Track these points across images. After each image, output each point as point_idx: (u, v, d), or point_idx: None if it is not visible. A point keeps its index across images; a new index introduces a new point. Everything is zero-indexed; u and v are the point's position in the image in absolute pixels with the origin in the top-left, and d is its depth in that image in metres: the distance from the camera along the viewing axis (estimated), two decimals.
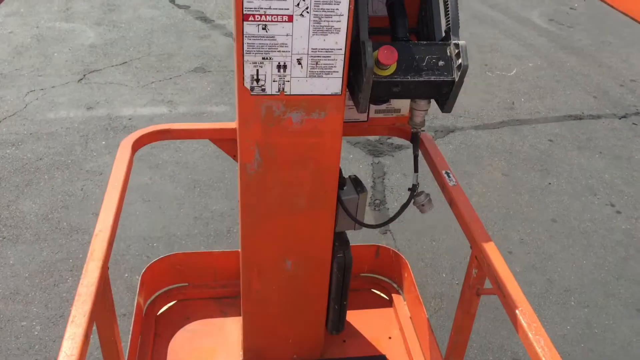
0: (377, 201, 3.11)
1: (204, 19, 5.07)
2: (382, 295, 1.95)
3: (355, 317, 1.81)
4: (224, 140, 1.52)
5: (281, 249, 1.40)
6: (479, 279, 1.27)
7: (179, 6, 5.29)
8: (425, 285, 2.59)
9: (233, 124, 1.48)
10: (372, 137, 3.56)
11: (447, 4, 1.17)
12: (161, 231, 2.77)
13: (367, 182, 3.23)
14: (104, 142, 3.36)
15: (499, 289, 1.15)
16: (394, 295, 1.92)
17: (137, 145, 1.48)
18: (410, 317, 1.84)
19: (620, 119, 4.03)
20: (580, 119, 4.01)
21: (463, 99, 4.17)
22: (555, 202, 3.17)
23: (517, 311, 1.09)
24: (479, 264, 1.24)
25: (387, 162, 3.38)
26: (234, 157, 1.50)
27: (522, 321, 1.08)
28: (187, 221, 2.85)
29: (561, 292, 2.61)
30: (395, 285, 1.95)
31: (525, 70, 4.64)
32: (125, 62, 4.29)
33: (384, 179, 3.27)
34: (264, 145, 1.22)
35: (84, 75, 4.07)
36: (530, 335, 1.04)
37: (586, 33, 5.41)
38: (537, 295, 2.59)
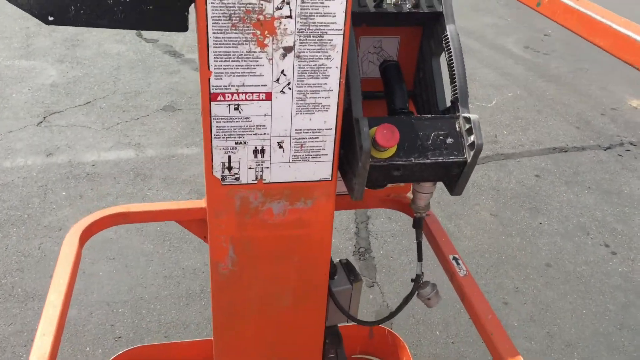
0: (362, 249, 2.91)
1: (173, 53, 4.86)
2: None
3: None
4: (192, 221, 1.30)
5: (262, 355, 1.19)
6: None
7: (146, 40, 5.07)
8: (418, 346, 2.39)
9: (201, 202, 1.26)
10: None
11: (454, 70, 0.99)
12: (127, 294, 2.52)
13: (349, 227, 3.04)
14: (64, 193, 3.10)
15: None
16: None
17: (86, 236, 1.26)
18: None
19: (605, 150, 3.93)
20: (565, 151, 3.89)
21: None
22: (548, 243, 3.02)
23: None
24: None
25: (371, 210, 3.19)
26: (205, 238, 1.29)
27: None
28: (156, 281, 2.61)
29: (563, 347, 2.43)
30: None
31: (505, 101, 4.54)
32: (89, 102, 4.04)
33: (367, 224, 3.08)
34: (239, 241, 1.02)
35: (44, 117, 3.81)
36: None
37: (562, 60, 5.37)
38: (538, 352, 2.41)
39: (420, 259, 1.20)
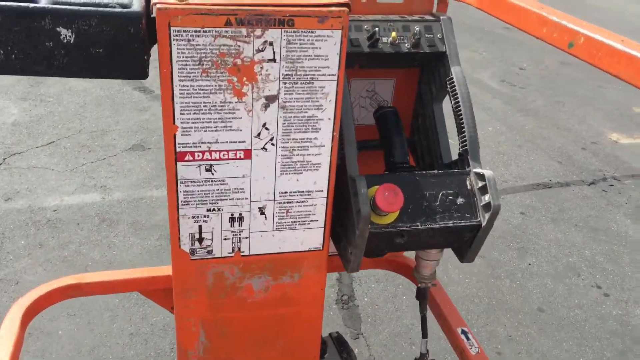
0: (345, 297, 2.74)
1: (143, 90, 4.70)
2: None
3: None
4: (156, 291, 1.12)
5: None
6: None
7: None
8: None
9: (168, 269, 1.09)
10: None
11: (462, 118, 0.85)
12: (89, 355, 2.30)
13: (331, 276, 2.87)
14: (22, 242, 2.87)
15: None
16: None
17: (29, 315, 1.06)
18: None
19: (589, 185, 3.86)
20: (549, 187, 3.81)
21: None
22: (539, 286, 2.89)
23: None
24: None
25: None
26: (172, 309, 1.11)
27: None
28: (121, 339, 2.39)
29: None
30: None
31: (485, 136, 4.48)
32: (53, 142, 3.84)
33: None
34: (212, 324, 0.85)
35: (4, 159, 3.59)
36: None
37: (539, 94, 5.37)
38: None
39: (424, 335, 1.04)
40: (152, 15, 0.64)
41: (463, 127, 0.87)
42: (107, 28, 0.64)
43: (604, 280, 2.98)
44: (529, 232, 3.33)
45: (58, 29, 0.62)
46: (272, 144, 0.73)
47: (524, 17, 0.89)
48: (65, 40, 0.63)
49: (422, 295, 1.06)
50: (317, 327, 0.90)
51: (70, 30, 0.62)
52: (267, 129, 0.72)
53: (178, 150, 0.71)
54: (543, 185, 3.84)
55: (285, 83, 0.69)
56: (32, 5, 0.63)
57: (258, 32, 0.64)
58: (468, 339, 1.06)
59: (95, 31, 0.63)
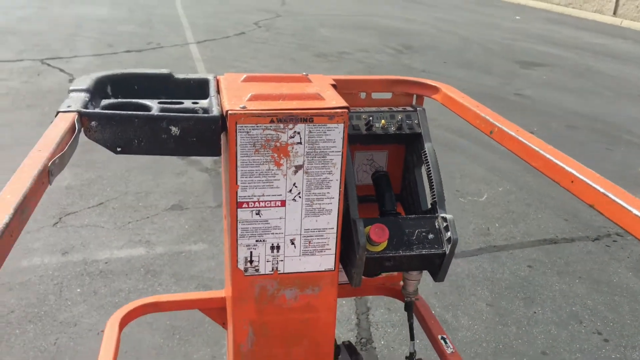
0: (363, 340, 3.03)
1: (180, 157, 5.16)
2: None
3: None
4: (212, 309, 1.49)
5: None
6: None
7: None
8: None
9: (221, 292, 1.45)
10: None
11: (432, 181, 1.23)
12: None
13: (350, 318, 3.17)
14: (78, 290, 3.26)
15: None
16: None
17: (124, 322, 1.44)
18: None
19: (593, 241, 4.12)
20: (555, 242, 4.08)
21: None
22: (543, 332, 3.14)
23: None
24: None
25: (370, 297, 3.33)
26: (224, 324, 1.46)
27: None
28: None
29: None
30: None
31: (495, 195, 4.79)
32: (102, 203, 4.28)
33: (368, 315, 3.21)
34: (257, 324, 1.20)
35: (60, 218, 4.03)
36: None
37: None
38: None
39: (412, 338, 1.37)
40: (225, 117, 1.01)
41: (433, 186, 1.23)
42: (199, 126, 1.02)
43: (605, 327, 3.21)
44: (535, 284, 3.58)
45: (170, 127, 1.01)
46: (299, 197, 1.10)
47: (467, 111, 1.26)
48: (173, 134, 1.01)
49: (409, 307, 1.39)
50: (331, 329, 1.23)
51: (177, 127, 1.01)
52: (296, 187, 1.09)
53: (238, 200, 1.08)
54: (550, 240, 4.11)
55: (308, 157, 1.07)
56: (156, 113, 1.02)
57: (290, 126, 1.02)
58: (446, 343, 1.39)
59: (192, 128, 1.02)
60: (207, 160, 5.09)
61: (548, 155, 1.01)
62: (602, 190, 0.88)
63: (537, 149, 1.05)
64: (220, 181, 4.76)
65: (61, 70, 7.66)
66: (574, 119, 6.97)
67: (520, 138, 1.04)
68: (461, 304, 3.33)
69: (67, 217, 4.05)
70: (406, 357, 1.38)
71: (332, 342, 1.27)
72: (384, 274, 1.50)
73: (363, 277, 1.19)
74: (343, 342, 1.47)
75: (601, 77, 9.35)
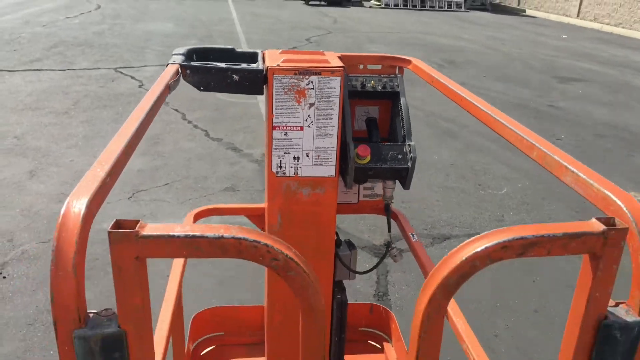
0: (381, 293, 3.59)
1: (234, 149, 5.89)
2: (375, 344, 2.41)
3: None
4: (255, 216, 2.12)
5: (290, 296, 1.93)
6: None
7: (212, 139, 6.17)
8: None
9: (261, 205, 2.09)
10: (377, 242, 4.12)
11: (403, 121, 1.83)
12: None
13: (372, 278, 3.74)
14: None
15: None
16: (384, 344, 2.38)
17: (196, 219, 2.09)
18: (396, 357, 2.31)
19: None
20: None
21: (457, 212, 4.77)
22: (539, 295, 3.62)
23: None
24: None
25: (389, 262, 3.90)
26: (263, 228, 2.09)
27: None
28: None
29: None
30: (385, 336, 2.41)
31: (514, 190, 5.27)
32: (167, 184, 5.02)
33: (387, 276, 3.77)
34: (284, 212, 1.81)
35: (133, 194, 4.79)
36: None
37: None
38: None
39: (389, 230, 1.95)
40: (266, 71, 1.64)
41: (403, 124, 1.82)
42: (250, 75, 1.67)
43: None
44: (540, 260, 4.06)
45: (232, 75, 1.66)
46: (312, 124, 1.71)
47: (432, 79, 1.84)
48: (234, 79, 1.66)
49: (388, 209, 1.97)
50: (333, 221, 1.83)
51: (237, 75, 1.66)
52: (309, 117, 1.70)
53: (273, 125, 1.71)
54: None
55: (317, 98, 1.68)
56: (225, 66, 1.68)
57: (306, 77, 1.64)
58: (414, 236, 1.96)
59: (245, 76, 1.67)
60: (257, 154, 5.79)
61: (503, 121, 1.44)
62: (562, 161, 1.09)
63: (490, 113, 1.53)
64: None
65: (132, 77, 8.60)
66: (602, 129, 7.32)
67: (473, 101, 1.57)
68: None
69: (139, 193, 4.80)
70: (384, 244, 1.95)
71: (334, 231, 1.86)
72: (376, 198, 2.09)
73: (362, 200, 1.81)
74: (344, 240, 2.06)
75: (637, 92, 9.57)
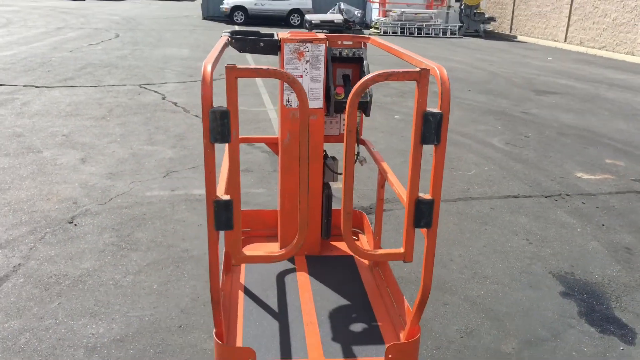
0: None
1: (248, 144, 6.97)
2: (354, 237, 3.47)
3: (338, 244, 3.33)
4: (272, 144, 3.21)
5: (297, 183, 2.98)
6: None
7: None
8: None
9: (276, 137, 3.18)
10: (364, 204, 5.17)
11: (364, 72, 2.93)
12: None
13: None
14: (184, 207, 5.02)
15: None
16: (359, 235, 3.43)
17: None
18: (367, 242, 3.36)
19: (546, 197, 5.59)
20: (516, 197, 5.57)
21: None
22: (489, 240, 4.64)
23: None
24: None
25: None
26: (276, 152, 3.17)
27: None
28: None
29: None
30: (359, 231, 3.46)
31: (481, 172, 6.32)
32: (194, 167, 6.09)
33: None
34: (291, 131, 2.88)
35: (167, 174, 5.86)
36: None
37: (534, 151, 7.14)
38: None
39: (358, 145, 3.01)
40: (280, 40, 2.71)
41: (364, 74, 2.90)
42: (271, 43, 2.75)
43: (532, 237, 4.67)
44: (492, 216, 5.08)
45: (260, 42, 2.75)
46: (307, 73, 2.78)
47: (386, 47, 2.92)
48: (262, 45, 2.75)
49: (357, 131, 3.04)
50: (321, 138, 2.88)
51: (263, 43, 2.75)
52: (306, 69, 2.76)
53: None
54: (512, 196, 5.60)
55: (311, 58, 2.75)
56: (256, 38, 2.76)
57: (304, 44, 2.70)
58: (373, 148, 3.02)
59: (268, 43, 2.76)
60: (266, 148, 6.87)
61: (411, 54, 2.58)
62: None
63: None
64: (273, 157, 6.46)
65: (155, 91, 9.77)
66: (566, 129, 8.39)
67: (412, 55, 2.65)
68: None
69: (172, 174, 5.88)
70: (356, 155, 3.01)
71: (322, 147, 2.92)
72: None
73: (342, 133, 2.93)
74: (330, 155, 3.11)
75: (606, 102, 10.67)
